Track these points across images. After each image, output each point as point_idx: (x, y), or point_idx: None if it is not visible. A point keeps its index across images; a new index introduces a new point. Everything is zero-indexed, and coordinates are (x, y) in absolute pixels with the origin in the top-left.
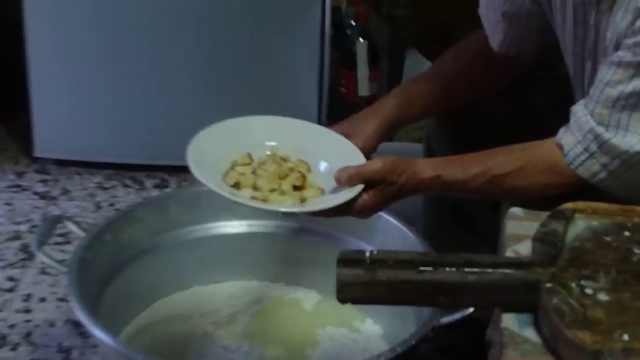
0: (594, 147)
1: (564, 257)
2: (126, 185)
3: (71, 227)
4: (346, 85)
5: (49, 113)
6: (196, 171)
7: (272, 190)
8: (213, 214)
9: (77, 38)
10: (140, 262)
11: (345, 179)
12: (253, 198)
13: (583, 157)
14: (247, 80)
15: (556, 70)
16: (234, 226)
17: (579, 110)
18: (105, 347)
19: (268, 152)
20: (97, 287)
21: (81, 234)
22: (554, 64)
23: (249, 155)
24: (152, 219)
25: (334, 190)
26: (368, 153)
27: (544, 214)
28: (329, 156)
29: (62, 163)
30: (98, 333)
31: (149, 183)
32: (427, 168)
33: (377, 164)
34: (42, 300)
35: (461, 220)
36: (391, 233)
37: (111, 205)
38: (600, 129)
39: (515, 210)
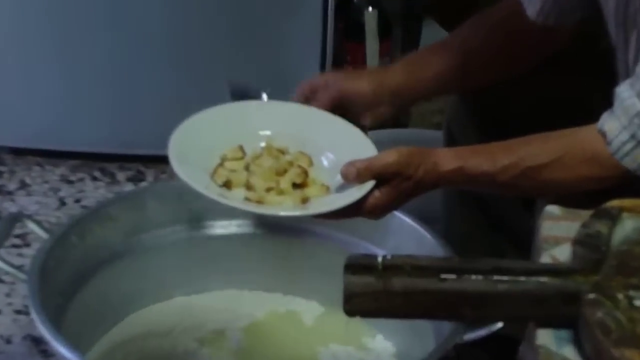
0: None
1: (610, 263)
2: (95, 178)
3: (31, 226)
4: (352, 61)
5: (2, 95)
6: (180, 170)
7: (269, 190)
8: (197, 212)
9: (32, 9)
10: (112, 268)
11: (353, 174)
12: (247, 199)
13: (629, 146)
14: (238, 55)
15: (599, 45)
16: (222, 226)
17: (624, 91)
18: None
19: (263, 144)
20: (62, 298)
21: (43, 235)
22: (597, 38)
23: (241, 148)
24: (126, 218)
25: (341, 187)
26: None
27: (586, 213)
28: (334, 146)
29: (19, 152)
30: (63, 351)
31: (121, 176)
32: (449, 159)
33: (390, 156)
34: None
35: (488, 220)
36: (406, 234)
37: (77, 201)
38: None
39: (552, 208)
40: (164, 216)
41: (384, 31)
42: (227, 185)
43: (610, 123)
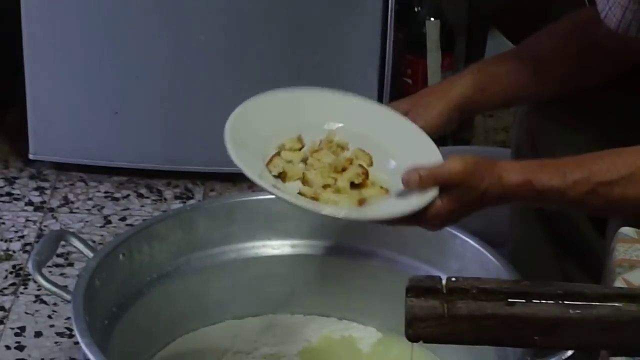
0: None
1: None
2: (141, 196)
3: (76, 244)
4: (413, 75)
5: (46, 107)
6: (235, 154)
7: (326, 187)
8: (249, 231)
9: (80, 18)
10: (160, 288)
11: (415, 182)
12: (300, 194)
13: None
14: (293, 68)
15: None
16: (274, 246)
17: None
18: None
19: (322, 138)
20: (107, 320)
21: (88, 253)
22: None
23: (299, 139)
24: (175, 237)
25: (401, 192)
26: None
27: None
28: (397, 149)
29: (62, 167)
30: None
31: (168, 193)
32: (515, 171)
33: (456, 163)
34: (38, 334)
35: (557, 243)
36: (469, 257)
37: (122, 219)
38: None
39: (627, 230)
40: (213, 235)
41: (447, 43)
42: (281, 176)
43: None
